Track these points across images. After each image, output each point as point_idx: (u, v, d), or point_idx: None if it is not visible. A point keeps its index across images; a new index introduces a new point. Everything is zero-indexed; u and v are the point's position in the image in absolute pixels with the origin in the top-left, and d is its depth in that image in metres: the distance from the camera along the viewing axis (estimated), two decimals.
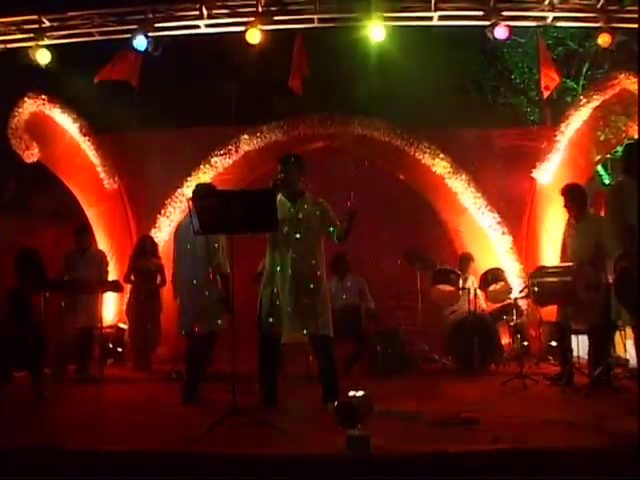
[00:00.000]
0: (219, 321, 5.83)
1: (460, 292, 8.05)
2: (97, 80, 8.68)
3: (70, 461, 3.58)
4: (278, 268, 5.13)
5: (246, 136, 9.95)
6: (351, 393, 3.68)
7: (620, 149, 12.14)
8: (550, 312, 8.25)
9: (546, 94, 9.72)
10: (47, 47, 8.24)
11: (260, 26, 8.00)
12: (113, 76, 8.64)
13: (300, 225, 5.19)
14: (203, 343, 5.93)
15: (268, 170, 8.72)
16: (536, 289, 6.31)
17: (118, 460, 3.56)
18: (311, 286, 5.11)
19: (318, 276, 5.19)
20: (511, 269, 9.12)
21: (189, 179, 9.83)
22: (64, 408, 5.32)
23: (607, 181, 14.15)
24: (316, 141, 10.09)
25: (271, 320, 5.06)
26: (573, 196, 6.49)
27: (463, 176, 9.62)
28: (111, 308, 9.63)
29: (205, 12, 7.99)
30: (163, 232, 9.68)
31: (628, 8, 8.04)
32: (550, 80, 8.84)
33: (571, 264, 6.28)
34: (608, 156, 11.63)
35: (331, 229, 5.26)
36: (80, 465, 3.54)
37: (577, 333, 6.87)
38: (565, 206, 6.58)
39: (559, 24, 8.57)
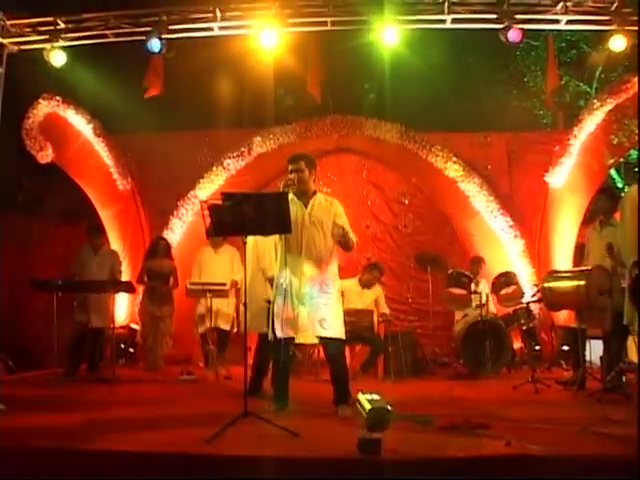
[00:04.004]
0: (265, 323, 5.72)
1: (472, 296, 8.04)
2: (147, 96, 9.16)
3: (79, 461, 3.59)
4: (290, 269, 5.08)
5: (259, 138, 9.99)
6: (368, 396, 3.66)
7: (634, 153, 12.10)
8: (562, 317, 8.24)
9: (550, 102, 9.85)
10: (62, 49, 8.29)
11: (274, 29, 8.02)
12: (153, 91, 8.92)
13: (312, 225, 5.12)
14: (260, 343, 6.12)
15: (281, 172, 8.76)
16: (548, 293, 6.30)
17: (128, 461, 3.57)
18: (322, 287, 5.05)
19: (330, 277, 5.13)
20: (523, 273, 9.09)
21: (202, 181, 9.89)
22: (75, 408, 5.33)
23: (620, 185, 14.07)
24: (328, 143, 10.11)
25: (284, 322, 5.03)
26: (612, 199, 6.51)
27: (475, 179, 9.62)
28: (123, 309, 9.69)
29: (219, 14, 8.01)
30: (176, 233, 9.73)
31: None
32: (552, 85, 8.90)
33: (583, 268, 6.26)
34: (621, 160, 11.57)
35: (336, 231, 5.15)
36: (90, 465, 3.56)
37: (593, 338, 6.84)
38: (600, 207, 6.62)
39: (572, 27, 8.53)
